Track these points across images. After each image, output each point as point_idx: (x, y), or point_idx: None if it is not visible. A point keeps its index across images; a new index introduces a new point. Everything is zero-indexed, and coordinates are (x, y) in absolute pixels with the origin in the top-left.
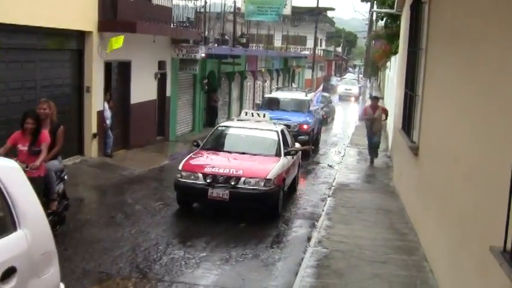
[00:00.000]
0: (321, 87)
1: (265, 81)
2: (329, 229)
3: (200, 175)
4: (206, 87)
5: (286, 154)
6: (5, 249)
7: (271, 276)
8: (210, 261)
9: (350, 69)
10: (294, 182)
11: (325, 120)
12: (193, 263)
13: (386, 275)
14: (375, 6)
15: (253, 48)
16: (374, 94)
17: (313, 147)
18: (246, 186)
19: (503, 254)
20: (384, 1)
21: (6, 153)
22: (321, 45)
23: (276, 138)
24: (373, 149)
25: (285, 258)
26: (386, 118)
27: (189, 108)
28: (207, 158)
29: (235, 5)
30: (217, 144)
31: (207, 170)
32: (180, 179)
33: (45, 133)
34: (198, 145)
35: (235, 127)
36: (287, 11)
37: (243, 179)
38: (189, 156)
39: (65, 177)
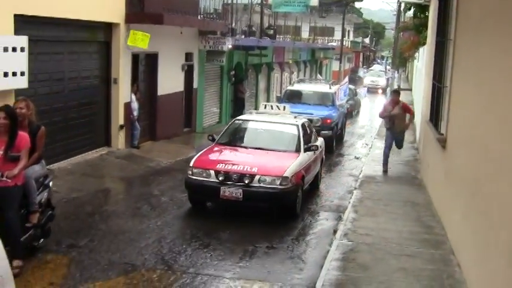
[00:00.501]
0: (346, 79)
1: (293, 72)
2: (355, 222)
3: (212, 172)
4: (233, 78)
5: (306, 150)
6: None
7: (296, 269)
8: (235, 253)
9: (378, 60)
10: (316, 179)
11: (350, 113)
12: (217, 255)
13: (413, 269)
14: None
15: (281, 39)
16: (401, 86)
17: (319, 147)
18: (261, 184)
19: None
20: None
21: None
22: (348, 37)
23: (296, 133)
24: (398, 142)
25: (310, 251)
26: (411, 118)
27: (216, 100)
28: (221, 154)
29: None
30: (233, 139)
31: (220, 166)
32: (190, 176)
33: (26, 136)
34: (213, 140)
35: (253, 121)
36: (314, 2)
37: (257, 176)
38: (201, 152)
39: (50, 183)
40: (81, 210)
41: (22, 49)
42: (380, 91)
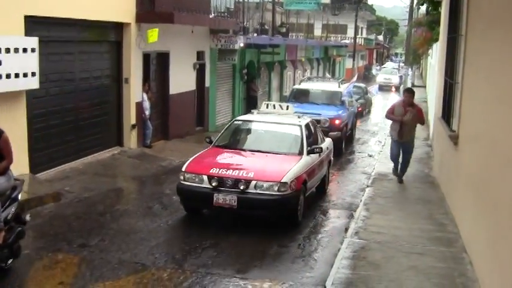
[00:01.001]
0: (355, 77)
1: (305, 70)
2: (366, 220)
3: (205, 177)
4: (245, 77)
5: (309, 152)
6: None
7: (307, 268)
8: (245, 252)
9: (392, 57)
10: (323, 183)
11: (361, 113)
12: (228, 253)
13: (424, 267)
14: None
15: (293, 37)
16: (415, 83)
17: (324, 149)
18: (258, 191)
19: None
20: None
21: None
22: (361, 34)
23: (299, 134)
24: (403, 163)
25: (322, 249)
26: (423, 123)
27: (229, 98)
28: (216, 158)
29: None
30: (231, 141)
31: (213, 171)
32: (182, 182)
33: None
34: (210, 142)
35: (254, 121)
36: None
37: (253, 182)
38: (195, 155)
39: (18, 197)
40: (92, 210)
41: (33, 50)
42: (393, 89)
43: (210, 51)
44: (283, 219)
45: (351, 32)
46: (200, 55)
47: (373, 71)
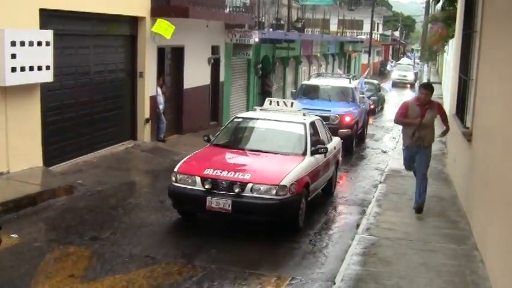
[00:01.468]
0: (366, 73)
1: (321, 66)
2: (378, 216)
3: (198, 179)
4: (260, 72)
5: (314, 153)
6: None
7: (317, 263)
8: (256, 247)
9: (408, 53)
10: (330, 185)
11: (373, 110)
12: (239, 248)
13: (435, 264)
14: None
15: (309, 32)
16: (431, 79)
17: (330, 149)
18: (254, 194)
19: None
20: None
21: None
22: (377, 30)
23: (303, 133)
24: (420, 183)
25: (332, 245)
26: (446, 127)
27: (243, 93)
28: (212, 158)
29: None
30: (230, 140)
31: (207, 172)
32: (174, 184)
33: None
34: (209, 140)
35: (255, 119)
36: None
37: (250, 185)
38: (190, 155)
39: None
40: (105, 203)
41: (47, 43)
42: (408, 86)
43: (225, 46)
44: (282, 225)
45: (367, 28)
46: (215, 50)
47: (388, 67)
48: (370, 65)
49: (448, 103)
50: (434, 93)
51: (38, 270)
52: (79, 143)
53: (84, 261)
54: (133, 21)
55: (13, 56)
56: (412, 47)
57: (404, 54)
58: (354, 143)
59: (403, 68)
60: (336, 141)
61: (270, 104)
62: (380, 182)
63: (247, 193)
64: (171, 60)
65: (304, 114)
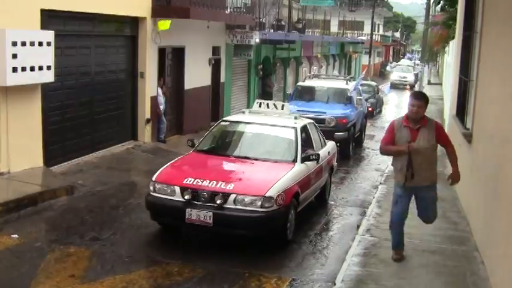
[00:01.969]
0: (363, 74)
1: (321, 66)
2: (379, 217)
3: (177, 189)
4: (261, 72)
5: (304, 159)
6: None
7: (317, 264)
8: (256, 247)
9: (408, 54)
10: (323, 192)
11: (371, 113)
12: (239, 249)
13: (435, 265)
14: None
15: (310, 33)
16: (431, 80)
17: (322, 156)
18: (237, 206)
19: None
20: None
21: None
22: (378, 31)
23: (293, 138)
24: (427, 221)
25: (333, 246)
26: (453, 165)
27: (244, 94)
28: (193, 165)
29: None
30: (215, 145)
31: (187, 182)
32: (152, 194)
33: None
34: (193, 145)
35: (243, 123)
36: None
37: (233, 196)
38: (170, 162)
39: None
40: (105, 204)
41: (48, 43)
42: (408, 87)
43: (226, 47)
44: (269, 238)
45: (367, 29)
46: (216, 50)
47: (388, 68)
48: (371, 65)
49: (449, 104)
50: (435, 94)
51: (38, 270)
52: (80, 143)
53: (84, 261)
54: (134, 22)
55: (14, 56)
56: (412, 48)
57: (404, 55)
58: (351, 147)
59: (403, 70)
60: (331, 145)
61: (260, 106)
62: (380, 183)
63: (230, 205)
64: (172, 60)
65: (295, 118)
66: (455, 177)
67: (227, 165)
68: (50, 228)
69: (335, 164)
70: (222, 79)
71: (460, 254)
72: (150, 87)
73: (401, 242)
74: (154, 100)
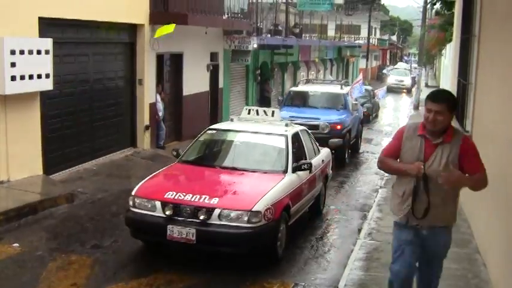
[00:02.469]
0: (360, 76)
1: (319, 71)
2: (380, 221)
3: (158, 204)
4: (259, 78)
5: (296, 169)
6: None
7: (320, 269)
8: (259, 252)
9: (405, 57)
10: (318, 203)
11: (367, 118)
12: (240, 256)
13: None
14: None
15: (307, 38)
16: (429, 83)
17: (315, 165)
18: (222, 222)
19: None
20: None
21: None
22: (375, 34)
23: (283, 147)
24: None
25: (334, 250)
26: (479, 181)
27: (242, 99)
28: (176, 178)
29: None
30: (201, 155)
31: (169, 196)
32: (132, 209)
33: None
34: (178, 156)
35: (230, 131)
36: (340, 0)
37: (217, 210)
38: (152, 174)
39: None
40: (106, 211)
41: (47, 52)
42: (405, 91)
43: (224, 52)
44: (257, 256)
45: (364, 33)
46: (214, 56)
47: (384, 71)
48: (368, 69)
49: None
50: None
51: (40, 279)
52: (79, 151)
53: (86, 269)
54: (132, 29)
55: (13, 64)
56: (409, 51)
57: (401, 58)
58: (347, 155)
59: (400, 73)
60: (325, 153)
61: (249, 113)
62: (380, 187)
63: (214, 220)
64: (170, 67)
65: (286, 125)
66: (450, 177)
67: (212, 177)
68: (51, 236)
69: (330, 172)
70: (221, 85)
71: (462, 256)
72: (148, 93)
73: None
74: (153, 107)
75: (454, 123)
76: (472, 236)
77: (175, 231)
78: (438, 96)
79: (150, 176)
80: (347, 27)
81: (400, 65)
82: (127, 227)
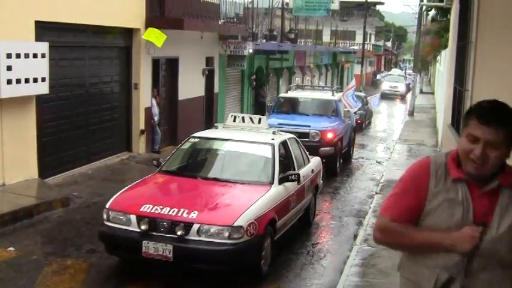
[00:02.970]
0: (353, 83)
1: (314, 76)
2: None
3: (133, 218)
4: (254, 83)
5: (282, 181)
6: None
7: (316, 275)
8: None
9: (400, 63)
10: (307, 214)
11: (360, 125)
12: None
13: None
14: None
15: (302, 43)
16: (423, 89)
17: (303, 176)
18: (201, 237)
19: None
20: None
21: None
22: (370, 40)
23: (270, 156)
24: None
25: (330, 256)
26: None
27: (237, 104)
28: (154, 189)
29: (283, 1)
30: (182, 165)
31: (144, 209)
32: (106, 223)
33: None
34: (158, 165)
35: (214, 139)
36: (335, 5)
37: (196, 226)
38: (129, 185)
39: None
40: (101, 215)
41: (43, 55)
42: (399, 98)
43: (219, 57)
44: (240, 273)
45: (359, 38)
46: (209, 61)
47: (378, 77)
48: (363, 75)
49: (442, 113)
50: (426, 102)
51: (36, 283)
52: (74, 155)
53: (82, 274)
54: (128, 33)
55: (9, 68)
56: (404, 57)
57: (396, 64)
58: (338, 164)
59: (394, 79)
60: (315, 162)
61: (235, 120)
62: (376, 193)
63: (192, 236)
64: (166, 71)
65: (273, 133)
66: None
67: (193, 189)
68: (46, 240)
69: (320, 182)
70: (216, 89)
71: None
72: (144, 98)
73: None
74: (148, 111)
75: (450, 131)
76: None
77: (150, 248)
78: (494, 114)
79: (127, 187)
80: (342, 33)
81: (394, 71)
82: (100, 241)
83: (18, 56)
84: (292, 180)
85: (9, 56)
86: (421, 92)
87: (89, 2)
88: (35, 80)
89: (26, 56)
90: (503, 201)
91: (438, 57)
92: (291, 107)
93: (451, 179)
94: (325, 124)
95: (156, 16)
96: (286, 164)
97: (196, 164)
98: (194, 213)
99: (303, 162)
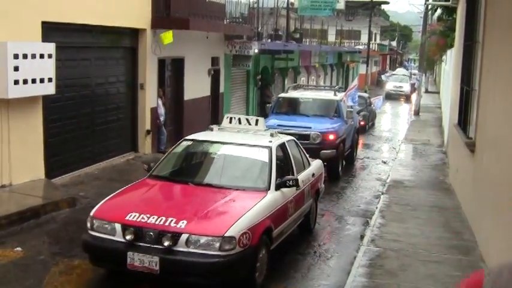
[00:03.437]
0: (355, 82)
1: (319, 76)
2: (382, 227)
3: (118, 227)
4: (259, 82)
5: (280, 186)
6: None
7: (323, 275)
8: None
9: (405, 63)
10: (307, 221)
11: (363, 127)
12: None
13: (441, 276)
14: None
15: (307, 43)
16: (429, 89)
17: (303, 181)
18: (190, 249)
19: None
20: None
21: None
22: (375, 40)
23: (266, 160)
24: None
25: (337, 256)
26: None
27: (243, 104)
28: (142, 196)
29: (288, 0)
30: (173, 170)
31: (130, 218)
32: (90, 232)
33: None
34: (149, 169)
35: (208, 142)
36: (340, 5)
37: (184, 236)
38: (117, 192)
39: None
40: None
41: (49, 56)
42: (404, 98)
43: (225, 57)
44: (232, 285)
45: (364, 38)
46: (215, 61)
47: (383, 77)
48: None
49: (447, 113)
50: (432, 102)
51: (43, 283)
52: (81, 155)
53: (89, 274)
54: (134, 34)
55: (16, 68)
56: (409, 57)
57: (401, 63)
58: (341, 167)
59: (399, 79)
60: (316, 166)
61: (230, 121)
62: (382, 193)
63: (181, 247)
64: (172, 71)
65: (271, 135)
66: None
67: (183, 196)
68: (53, 240)
69: (322, 186)
70: (221, 89)
71: (466, 264)
72: (150, 98)
73: None
74: (154, 111)
75: (457, 131)
76: (476, 244)
77: (136, 259)
78: None
79: (114, 193)
80: (347, 33)
81: (399, 70)
82: (84, 252)
83: (25, 56)
84: (290, 186)
85: (16, 56)
86: (427, 91)
87: (95, 2)
88: (42, 81)
89: (33, 56)
90: None
91: (444, 57)
92: (291, 107)
93: None
94: (327, 125)
95: (162, 16)
96: (284, 168)
97: (188, 169)
98: (183, 223)
99: (303, 166)
